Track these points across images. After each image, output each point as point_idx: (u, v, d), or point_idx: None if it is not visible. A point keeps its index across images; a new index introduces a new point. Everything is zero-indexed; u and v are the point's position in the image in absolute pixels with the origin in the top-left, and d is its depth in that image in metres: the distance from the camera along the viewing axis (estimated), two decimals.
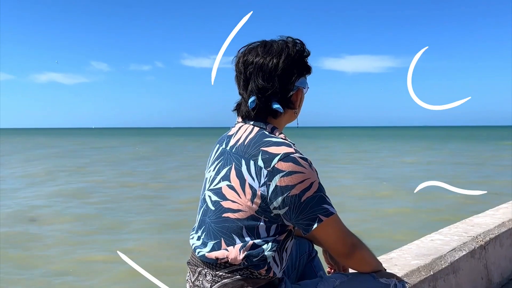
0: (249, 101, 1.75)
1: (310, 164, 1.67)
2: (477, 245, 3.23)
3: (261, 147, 1.68)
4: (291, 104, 1.79)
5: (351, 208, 12.71)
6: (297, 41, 1.83)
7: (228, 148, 1.79)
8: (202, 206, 1.81)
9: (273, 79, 1.73)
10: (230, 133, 1.85)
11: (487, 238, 3.39)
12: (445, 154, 35.15)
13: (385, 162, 28.65)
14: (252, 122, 1.78)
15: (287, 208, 1.63)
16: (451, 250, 3.00)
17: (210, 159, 1.89)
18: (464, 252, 3.04)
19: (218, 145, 1.88)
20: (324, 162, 26.80)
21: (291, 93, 1.77)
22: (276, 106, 1.74)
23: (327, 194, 1.69)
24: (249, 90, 1.76)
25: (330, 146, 50.85)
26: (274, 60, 1.73)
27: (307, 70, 1.83)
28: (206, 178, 1.84)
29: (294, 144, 1.73)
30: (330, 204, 1.67)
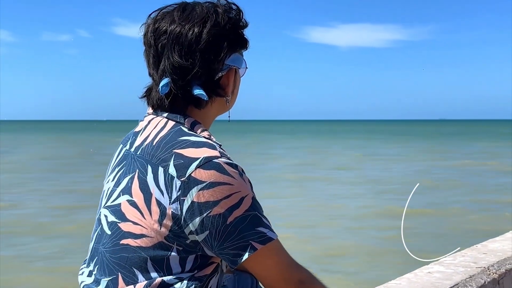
0: (160, 84, 1.58)
1: (241, 173, 1.51)
2: (489, 279, 3.09)
3: (174, 149, 1.52)
4: (220, 89, 1.64)
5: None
6: (233, 6, 1.66)
7: (132, 149, 1.63)
8: (97, 230, 1.64)
9: (193, 54, 1.56)
10: (137, 129, 1.68)
11: (503, 270, 3.24)
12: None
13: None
14: (166, 114, 1.62)
15: (207, 232, 1.47)
16: (453, 286, 2.87)
17: (110, 165, 1.72)
18: None
19: (121, 145, 1.71)
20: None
21: (220, 74, 1.62)
22: (198, 91, 1.57)
23: (264, 213, 1.53)
24: (161, 69, 1.59)
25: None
26: (196, 29, 1.57)
27: (242, 44, 1.67)
28: (104, 191, 1.68)
29: (220, 146, 1.57)
30: (268, 227, 1.51)
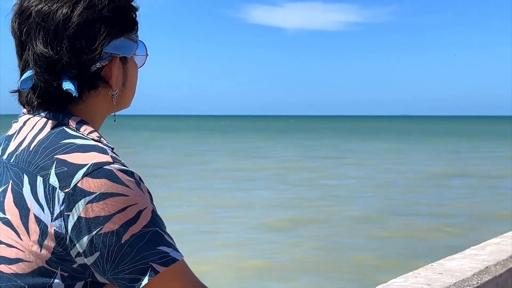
0: (21, 78, 1.47)
1: (139, 182, 1.41)
2: None
3: (56, 155, 1.41)
4: (103, 82, 1.53)
5: None
6: None
7: (5, 157, 1.51)
8: None
9: (60, 42, 1.45)
10: (10, 132, 1.56)
11: None
12: None
13: None
14: (45, 113, 1.51)
15: (98, 254, 1.37)
16: None
17: None
18: None
19: None
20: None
21: (100, 64, 1.51)
22: (67, 86, 1.46)
23: (167, 229, 1.44)
24: (24, 60, 1.49)
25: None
26: (65, 10, 1.46)
27: (127, 27, 1.56)
28: None
29: (112, 149, 1.47)
30: (171, 246, 1.42)
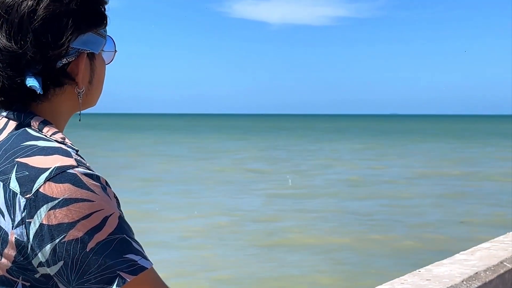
0: None
1: (105, 186, 1.38)
2: None
3: (16, 158, 1.37)
4: (68, 79, 1.50)
5: None
6: None
7: None
8: None
9: (24, 36, 1.42)
10: None
11: None
12: None
13: None
14: (6, 113, 1.48)
15: (61, 263, 1.33)
16: None
17: None
18: None
19: None
20: None
21: (66, 60, 1.48)
22: (31, 82, 1.42)
23: (135, 236, 1.41)
24: None
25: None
26: (30, 2, 1.43)
27: (97, 22, 1.53)
28: None
29: (77, 152, 1.43)
30: (140, 253, 1.38)
